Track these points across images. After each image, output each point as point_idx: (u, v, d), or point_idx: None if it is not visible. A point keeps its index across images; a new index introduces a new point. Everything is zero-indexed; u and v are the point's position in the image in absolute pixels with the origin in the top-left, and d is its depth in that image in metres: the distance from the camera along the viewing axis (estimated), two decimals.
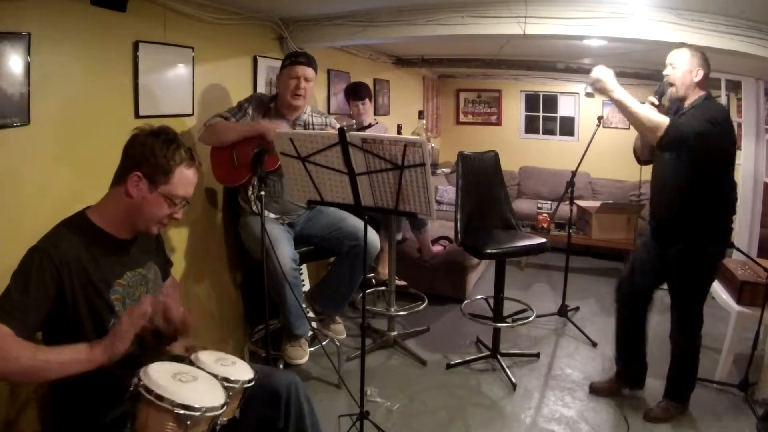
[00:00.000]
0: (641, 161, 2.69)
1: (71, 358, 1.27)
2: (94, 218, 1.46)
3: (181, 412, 1.21)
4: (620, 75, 4.81)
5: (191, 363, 1.45)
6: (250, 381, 1.45)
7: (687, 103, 2.33)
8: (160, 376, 1.27)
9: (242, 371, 1.48)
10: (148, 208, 1.47)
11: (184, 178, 1.49)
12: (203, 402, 1.25)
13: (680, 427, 2.48)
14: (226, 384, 1.39)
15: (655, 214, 2.51)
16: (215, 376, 1.40)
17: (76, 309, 1.37)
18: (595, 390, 2.75)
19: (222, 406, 1.30)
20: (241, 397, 1.45)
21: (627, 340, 2.68)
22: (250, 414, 1.51)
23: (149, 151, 1.43)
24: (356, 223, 2.58)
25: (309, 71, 2.54)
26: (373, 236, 2.55)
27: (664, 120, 2.24)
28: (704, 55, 2.34)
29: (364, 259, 2.26)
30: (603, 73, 2.37)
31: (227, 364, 1.49)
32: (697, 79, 2.31)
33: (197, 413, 1.23)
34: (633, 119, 2.31)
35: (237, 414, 1.44)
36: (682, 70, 2.32)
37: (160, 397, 1.21)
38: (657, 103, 2.39)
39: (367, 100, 3.65)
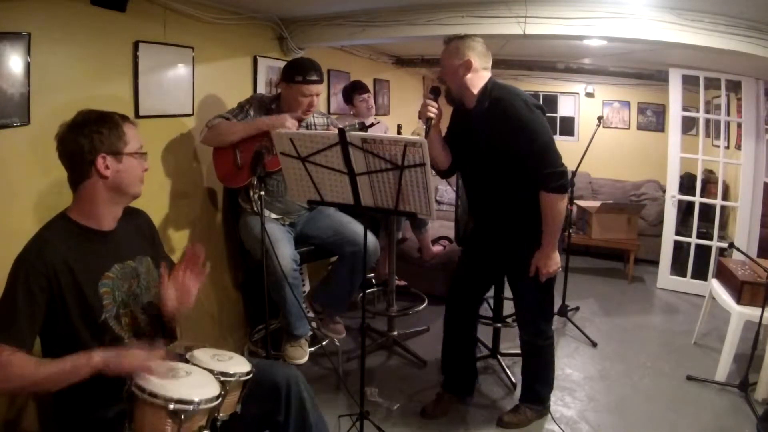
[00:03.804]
0: (443, 173, 2.41)
1: (71, 368, 1.29)
2: (75, 216, 1.47)
3: (174, 407, 1.22)
4: (620, 75, 4.87)
5: (187, 361, 1.46)
6: (247, 373, 1.46)
7: (476, 92, 2.14)
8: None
9: (239, 365, 1.48)
10: (128, 174, 1.50)
11: (133, 132, 1.53)
12: (196, 395, 1.26)
13: (679, 426, 2.48)
14: (223, 378, 1.40)
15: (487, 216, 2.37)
16: (211, 371, 1.40)
17: (65, 308, 1.38)
18: (426, 413, 2.52)
19: (216, 398, 1.31)
20: (240, 390, 1.46)
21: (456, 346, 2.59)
22: (251, 409, 1.51)
23: (96, 134, 1.44)
24: (357, 228, 2.57)
25: (321, 87, 2.51)
26: (373, 242, 2.55)
27: (561, 199, 2.09)
28: (469, 38, 2.15)
29: (364, 263, 2.26)
30: (549, 262, 2.16)
31: (224, 359, 1.50)
32: (466, 70, 2.11)
33: (190, 406, 1.23)
34: (560, 220, 2.13)
35: (238, 409, 1.45)
36: (447, 69, 2.16)
37: (154, 394, 1.22)
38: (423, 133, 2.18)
39: (370, 93, 3.68)
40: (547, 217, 2.11)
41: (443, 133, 2.35)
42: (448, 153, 2.32)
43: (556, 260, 2.18)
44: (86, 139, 1.43)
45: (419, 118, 2.22)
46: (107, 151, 1.45)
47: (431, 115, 2.15)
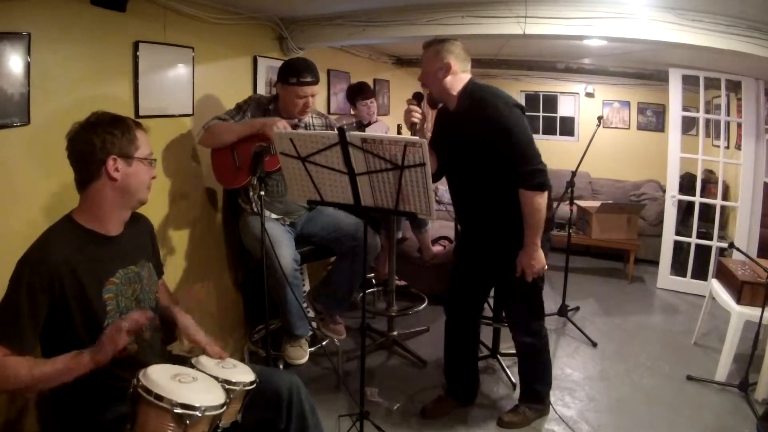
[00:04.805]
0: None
1: (65, 367, 1.31)
2: (81, 219, 1.47)
3: (180, 411, 1.21)
4: (620, 75, 4.88)
5: (192, 367, 1.46)
6: (251, 383, 1.45)
7: (455, 95, 2.16)
8: (160, 377, 1.27)
9: (243, 374, 1.48)
10: (136, 179, 1.50)
11: (144, 138, 1.54)
12: (202, 401, 1.25)
13: (679, 426, 2.48)
14: (227, 387, 1.39)
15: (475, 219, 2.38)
16: (216, 378, 1.40)
17: (67, 312, 1.37)
18: (427, 413, 2.53)
19: (222, 406, 1.30)
20: (242, 400, 1.45)
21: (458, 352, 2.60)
22: (251, 416, 1.51)
23: (109, 135, 1.45)
24: (356, 223, 2.58)
25: (316, 88, 2.50)
26: (372, 237, 2.55)
27: (540, 196, 2.08)
28: (447, 42, 2.17)
29: (364, 259, 2.26)
30: (533, 262, 2.16)
31: (228, 367, 1.49)
32: (446, 73, 2.13)
33: (196, 412, 1.23)
34: (541, 219, 2.13)
35: (239, 418, 1.44)
36: (426, 73, 2.18)
37: (160, 397, 1.21)
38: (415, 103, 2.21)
39: (374, 98, 3.67)
40: (527, 215, 2.12)
41: (428, 137, 2.36)
42: (434, 157, 2.32)
43: (540, 259, 2.17)
44: (98, 139, 1.44)
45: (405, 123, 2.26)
46: (118, 153, 1.45)
47: (415, 120, 2.19)
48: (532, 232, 2.14)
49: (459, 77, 2.17)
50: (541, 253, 2.18)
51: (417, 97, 2.23)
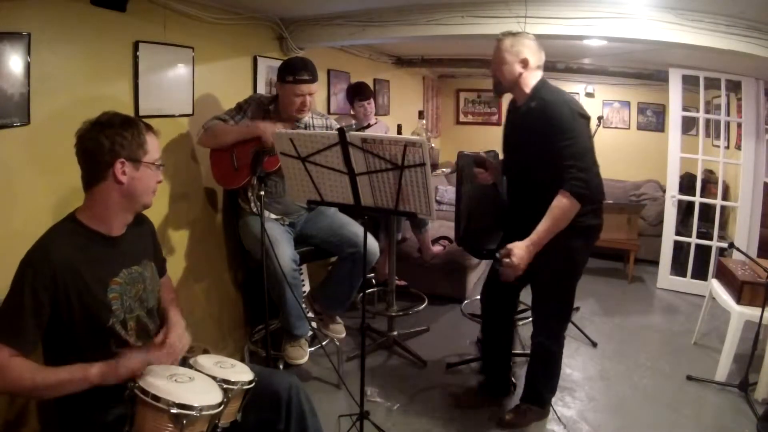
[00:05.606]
0: None
1: (70, 377, 1.30)
2: (84, 219, 1.46)
3: (177, 411, 1.21)
4: (620, 75, 4.87)
5: (190, 367, 1.46)
6: (250, 382, 1.45)
7: (528, 92, 2.16)
8: (156, 377, 1.28)
9: (242, 373, 1.48)
10: (142, 183, 1.49)
11: (154, 143, 1.53)
12: (199, 401, 1.25)
13: (679, 426, 2.48)
14: (225, 386, 1.39)
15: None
16: (214, 378, 1.40)
17: (70, 311, 1.37)
18: (460, 403, 2.59)
19: (219, 405, 1.30)
20: (242, 399, 1.45)
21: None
22: (251, 417, 1.51)
23: (119, 138, 1.43)
24: (356, 230, 2.57)
25: (313, 87, 2.50)
26: (372, 244, 2.55)
27: (572, 208, 2.02)
28: (522, 35, 2.17)
29: (364, 265, 2.26)
30: (520, 253, 2.06)
31: (226, 367, 1.49)
32: (524, 67, 2.15)
33: (193, 412, 1.23)
34: (560, 224, 2.07)
35: (238, 417, 1.44)
36: (501, 66, 2.17)
37: (156, 398, 1.21)
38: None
39: (371, 99, 3.66)
40: (552, 215, 2.04)
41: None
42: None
43: (524, 258, 2.05)
44: (108, 141, 1.42)
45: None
46: (126, 156, 1.44)
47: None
48: (544, 233, 2.05)
49: (533, 73, 2.17)
50: (530, 255, 2.07)
51: (481, 164, 2.33)
